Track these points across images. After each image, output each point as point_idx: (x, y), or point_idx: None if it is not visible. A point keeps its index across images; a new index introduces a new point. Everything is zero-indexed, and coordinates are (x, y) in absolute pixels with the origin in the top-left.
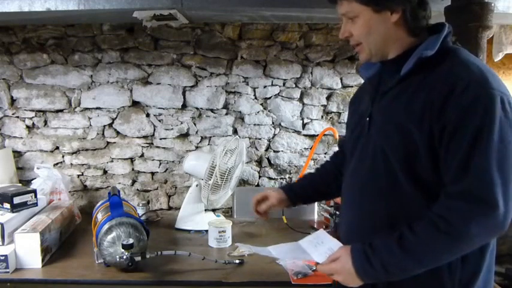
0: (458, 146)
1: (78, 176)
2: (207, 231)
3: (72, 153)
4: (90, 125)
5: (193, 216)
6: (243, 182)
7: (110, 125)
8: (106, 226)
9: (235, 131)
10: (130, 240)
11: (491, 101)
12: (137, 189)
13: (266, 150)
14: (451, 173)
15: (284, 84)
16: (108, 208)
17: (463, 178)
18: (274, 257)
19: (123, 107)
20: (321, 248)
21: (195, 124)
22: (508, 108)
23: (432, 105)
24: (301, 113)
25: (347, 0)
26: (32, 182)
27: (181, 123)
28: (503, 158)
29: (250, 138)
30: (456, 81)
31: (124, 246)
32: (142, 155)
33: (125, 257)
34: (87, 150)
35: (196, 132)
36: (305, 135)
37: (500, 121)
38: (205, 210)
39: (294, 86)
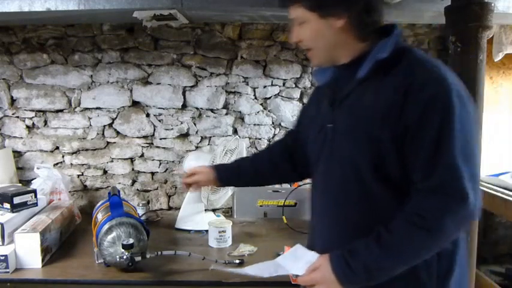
0: (423, 143)
1: (78, 176)
2: (207, 231)
3: (72, 153)
4: (90, 125)
5: (193, 216)
6: None
7: (110, 125)
8: (106, 226)
9: (235, 131)
10: (131, 240)
11: (448, 96)
12: (137, 189)
13: None
14: (419, 171)
15: (284, 84)
16: (108, 208)
17: (432, 174)
18: (252, 275)
19: (123, 107)
20: (299, 262)
21: (195, 124)
22: (464, 101)
23: (393, 106)
24: None
25: (295, 6)
26: (32, 182)
27: (181, 123)
28: (467, 150)
29: (250, 138)
30: (413, 80)
31: (124, 246)
32: (142, 155)
33: (125, 257)
34: (87, 150)
35: (196, 132)
36: None
37: (459, 114)
38: (205, 210)
39: (294, 86)
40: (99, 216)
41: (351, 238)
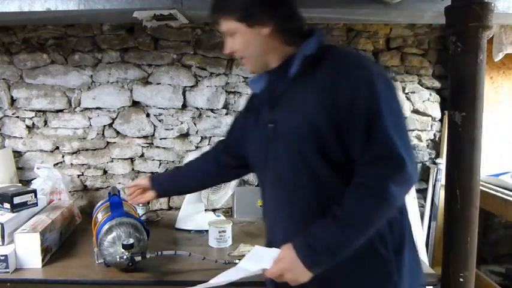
0: (357, 123)
1: (78, 176)
2: (207, 231)
3: (72, 153)
4: (90, 125)
5: (193, 216)
6: (243, 182)
7: (110, 125)
8: (106, 226)
9: None
10: (131, 240)
11: (371, 77)
12: None
13: None
14: (358, 148)
15: None
16: (108, 208)
17: (369, 148)
18: (217, 284)
19: (123, 107)
20: (263, 260)
21: (195, 124)
22: (385, 80)
23: (324, 94)
24: None
25: (225, 19)
26: (32, 182)
27: (182, 123)
28: (397, 122)
29: None
30: (340, 67)
31: (124, 246)
32: (142, 155)
33: (125, 257)
34: (87, 150)
35: (197, 132)
36: None
37: (383, 92)
38: (206, 210)
39: None
40: (99, 216)
41: (308, 226)
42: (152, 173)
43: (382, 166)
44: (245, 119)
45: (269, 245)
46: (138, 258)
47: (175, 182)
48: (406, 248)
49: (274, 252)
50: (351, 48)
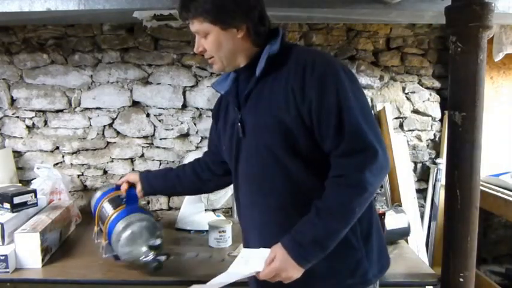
0: (327, 116)
1: (78, 176)
2: (207, 231)
3: (72, 153)
4: (90, 125)
5: (193, 216)
6: None
7: (110, 125)
8: (124, 221)
9: None
10: (158, 241)
11: (336, 72)
12: None
13: None
14: (330, 141)
15: None
16: (118, 199)
17: (342, 140)
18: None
19: (123, 107)
20: (253, 262)
21: (195, 124)
22: (349, 74)
23: (293, 91)
24: None
25: (198, 20)
26: (32, 182)
27: (182, 123)
28: (364, 112)
29: None
30: (304, 64)
31: (151, 247)
32: (142, 155)
33: (150, 258)
34: (87, 150)
35: (197, 132)
36: None
37: (349, 85)
38: (206, 210)
39: None
40: (108, 207)
41: (289, 223)
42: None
43: (356, 157)
44: (216, 124)
45: (246, 242)
46: (162, 258)
47: (165, 183)
48: (373, 236)
49: (263, 252)
50: (311, 47)
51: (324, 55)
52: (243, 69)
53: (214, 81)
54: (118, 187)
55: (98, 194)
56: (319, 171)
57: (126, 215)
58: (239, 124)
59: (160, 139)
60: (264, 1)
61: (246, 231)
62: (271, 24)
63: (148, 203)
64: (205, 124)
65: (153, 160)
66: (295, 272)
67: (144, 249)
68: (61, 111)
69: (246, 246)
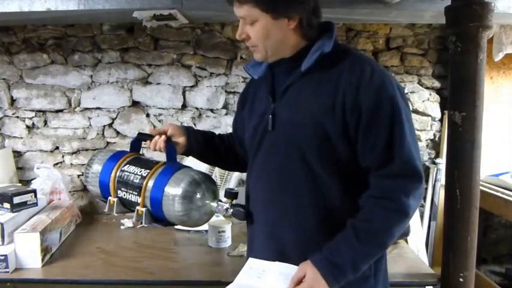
0: (378, 133)
1: (78, 176)
2: (206, 231)
3: (72, 153)
4: (90, 125)
5: None
6: (242, 182)
7: (110, 125)
8: (180, 176)
9: None
10: (236, 189)
11: (393, 88)
12: None
13: None
14: (375, 159)
15: None
16: (142, 160)
17: (391, 161)
18: None
19: (123, 107)
20: (268, 277)
21: (195, 124)
22: (402, 92)
23: (344, 97)
24: None
25: (248, 5)
26: (32, 182)
27: (182, 123)
28: (413, 135)
29: None
30: (362, 70)
31: (229, 195)
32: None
33: (232, 208)
34: (87, 150)
35: None
36: None
37: (402, 105)
38: None
39: None
40: (135, 169)
41: (297, 225)
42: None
43: (403, 180)
44: (242, 109)
45: (251, 240)
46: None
47: (212, 145)
48: (384, 256)
49: (282, 268)
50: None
51: (380, 68)
52: (286, 61)
53: (248, 64)
54: (133, 148)
55: (98, 164)
56: (350, 186)
57: (177, 170)
58: (270, 116)
59: None
60: None
61: (253, 230)
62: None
63: None
64: (205, 124)
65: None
66: None
67: (215, 203)
68: (61, 111)
69: (250, 248)
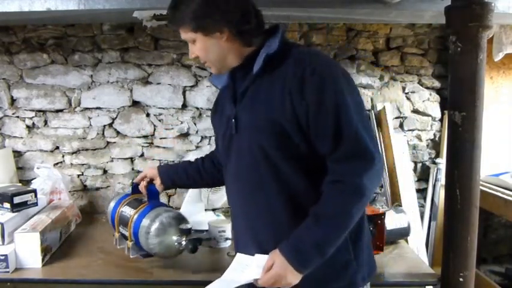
0: (325, 120)
1: (78, 175)
2: (207, 230)
3: (72, 153)
4: (90, 124)
5: (193, 215)
6: None
7: (110, 124)
8: (151, 214)
9: None
10: (188, 225)
11: (335, 75)
12: None
13: None
14: (327, 144)
15: None
16: (135, 202)
17: (339, 144)
18: None
19: (123, 106)
20: (250, 269)
21: (195, 124)
22: (348, 79)
23: (291, 92)
24: None
25: (183, 30)
26: (32, 181)
27: (182, 122)
28: (361, 116)
29: None
30: (304, 65)
31: (183, 231)
32: (142, 155)
33: (183, 243)
34: (87, 150)
35: (197, 132)
36: None
37: (347, 89)
38: (205, 209)
39: None
40: (128, 210)
41: (272, 221)
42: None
43: (353, 162)
44: (214, 121)
45: (236, 242)
46: (196, 243)
47: (186, 177)
48: (363, 239)
49: (260, 259)
50: (311, 48)
51: (323, 57)
52: (240, 67)
53: (212, 76)
54: (134, 191)
55: (112, 203)
56: (313, 175)
57: (150, 209)
58: (233, 120)
59: (160, 139)
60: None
61: (237, 230)
62: (270, 22)
63: None
64: (205, 124)
65: (153, 160)
66: (294, 278)
67: (176, 237)
68: (61, 111)
69: (236, 246)
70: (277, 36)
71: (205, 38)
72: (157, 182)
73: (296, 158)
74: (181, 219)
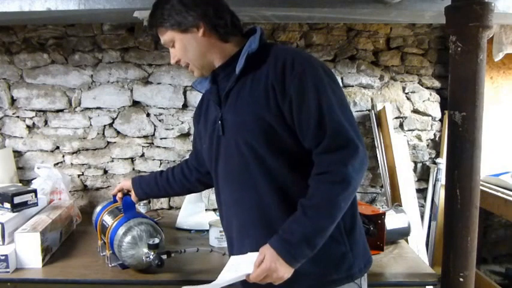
0: (307, 113)
1: (79, 175)
2: (207, 230)
3: (73, 153)
4: (91, 124)
5: (194, 215)
6: None
7: (110, 124)
8: (123, 227)
9: None
10: (156, 240)
11: (315, 69)
12: None
13: None
14: (311, 137)
15: None
16: (116, 210)
17: (323, 136)
18: None
19: (123, 106)
20: (242, 267)
21: None
22: (328, 72)
23: (273, 88)
24: None
25: (161, 32)
26: (32, 181)
27: (182, 122)
28: (343, 108)
29: None
30: (284, 62)
31: (150, 246)
32: (142, 155)
33: (151, 257)
34: (87, 150)
35: None
36: None
37: (328, 82)
38: (206, 209)
39: None
40: (108, 219)
41: (265, 218)
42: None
43: (338, 153)
44: (198, 124)
45: (231, 244)
46: (164, 257)
47: (156, 187)
48: (357, 230)
49: (251, 256)
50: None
51: (302, 53)
52: (222, 68)
53: (195, 81)
54: (116, 200)
55: (98, 209)
56: (302, 169)
57: (124, 221)
58: (219, 122)
59: (161, 139)
60: None
61: (230, 232)
62: (272, 22)
63: (149, 202)
64: None
65: (154, 160)
66: (285, 271)
67: (145, 250)
68: (61, 111)
69: (230, 248)
70: (257, 36)
71: (183, 36)
72: (132, 195)
73: (284, 153)
74: (152, 232)
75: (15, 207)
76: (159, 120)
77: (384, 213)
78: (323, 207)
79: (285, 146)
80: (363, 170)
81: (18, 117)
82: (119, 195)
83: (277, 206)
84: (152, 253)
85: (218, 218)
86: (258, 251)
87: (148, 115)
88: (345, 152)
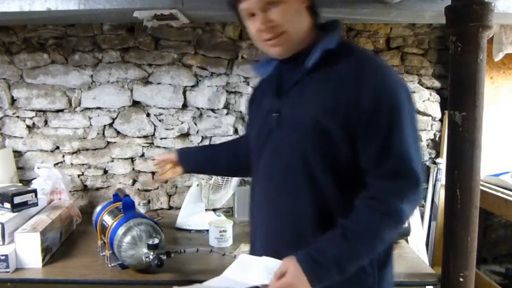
0: (376, 131)
1: (79, 175)
2: (207, 230)
3: (73, 153)
4: (91, 124)
5: (193, 215)
6: (243, 182)
7: (110, 124)
8: (123, 228)
9: (236, 131)
10: (156, 240)
11: (397, 87)
12: (138, 189)
13: None
14: (373, 158)
15: None
16: (116, 210)
17: (387, 160)
18: None
19: (123, 106)
20: (254, 271)
21: (195, 124)
22: (409, 94)
23: (342, 92)
24: None
25: None
26: (33, 181)
27: (182, 123)
28: (414, 136)
29: None
30: (363, 68)
31: (150, 247)
32: (142, 155)
33: (151, 257)
34: (87, 150)
35: (197, 132)
36: None
37: (407, 106)
38: (206, 209)
39: None
40: (108, 219)
41: (294, 227)
42: (153, 173)
43: (397, 182)
44: (250, 109)
45: (253, 241)
46: (163, 257)
47: (204, 161)
48: (389, 265)
49: (267, 262)
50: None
51: (383, 63)
52: (291, 58)
53: (256, 64)
54: (116, 200)
55: (98, 209)
56: (349, 188)
57: (124, 221)
58: (275, 114)
59: (161, 139)
60: None
61: (255, 229)
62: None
63: (148, 202)
64: (206, 124)
65: (154, 160)
66: None
67: (145, 250)
68: (61, 111)
69: (252, 244)
70: (337, 32)
71: (295, 0)
72: (177, 168)
73: (335, 166)
74: (151, 232)
75: (15, 207)
76: (159, 120)
77: None
78: (366, 235)
79: (338, 159)
80: (416, 205)
81: (18, 117)
82: (160, 165)
83: (312, 220)
84: (152, 253)
85: (218, 218)
86: (276, 257)
87: (148, 115)
88: (405, 183)
